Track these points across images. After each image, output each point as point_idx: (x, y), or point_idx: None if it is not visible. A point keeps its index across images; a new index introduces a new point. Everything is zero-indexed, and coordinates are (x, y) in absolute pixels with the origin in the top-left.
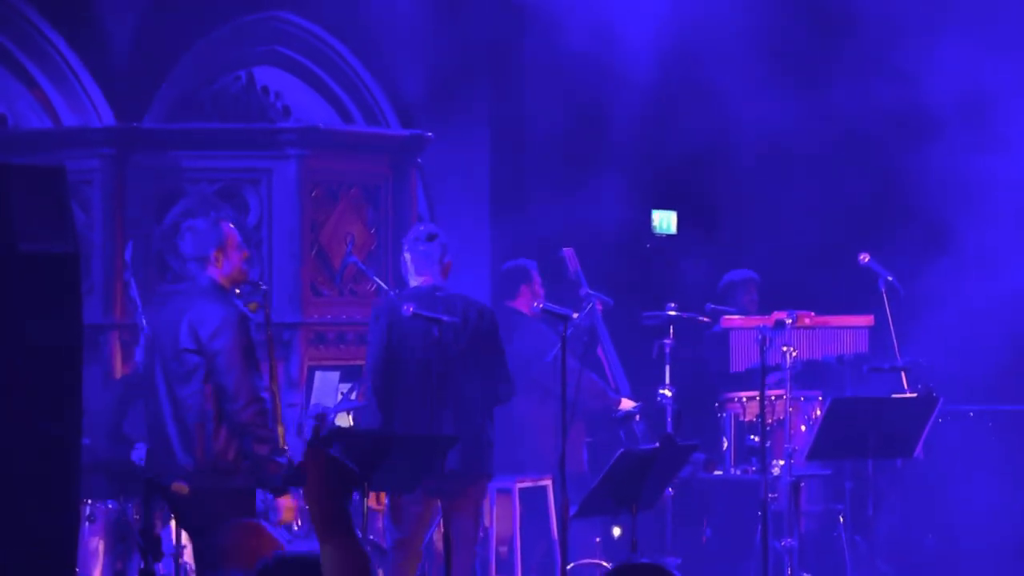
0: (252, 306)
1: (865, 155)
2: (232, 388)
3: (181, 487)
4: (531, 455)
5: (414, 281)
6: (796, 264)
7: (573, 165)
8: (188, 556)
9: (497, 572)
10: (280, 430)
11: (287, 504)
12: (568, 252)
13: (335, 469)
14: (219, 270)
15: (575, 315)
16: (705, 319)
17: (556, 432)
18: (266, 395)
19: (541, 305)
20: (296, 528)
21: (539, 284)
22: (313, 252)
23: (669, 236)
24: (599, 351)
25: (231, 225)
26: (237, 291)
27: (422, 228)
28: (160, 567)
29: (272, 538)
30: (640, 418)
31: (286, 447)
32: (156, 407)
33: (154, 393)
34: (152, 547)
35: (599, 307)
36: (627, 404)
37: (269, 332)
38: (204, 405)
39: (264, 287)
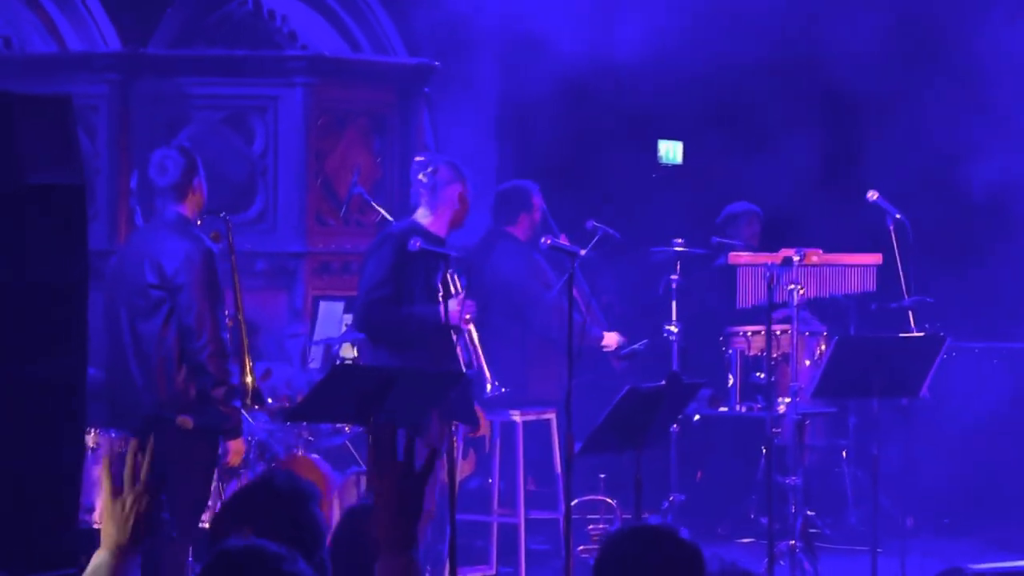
0: (214, 235)
1: (879, 91)
2: (194, 326)
3: (186, 421)
4: (534, 389)
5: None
6: (804, 200)
7: (581, 94)
8: None
9: (499, 505)
10: (248, 364)
11: (236, 448)
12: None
13: (412, 485)
14: (194, 200)
15: (582, 252)
16: (712, 254)
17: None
18: (226, 335)
19: (549, 242)
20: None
21: (539, 211)
22: (319, 181)
23: (675, 167)
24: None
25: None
26: (199, 221)
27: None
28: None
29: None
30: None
31: (252, 378)
32: (119, 343)
33: (117, 328)
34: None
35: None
36: (611, 338)
37: (233, 261)
38: (166, 342)
39: (225, 216)
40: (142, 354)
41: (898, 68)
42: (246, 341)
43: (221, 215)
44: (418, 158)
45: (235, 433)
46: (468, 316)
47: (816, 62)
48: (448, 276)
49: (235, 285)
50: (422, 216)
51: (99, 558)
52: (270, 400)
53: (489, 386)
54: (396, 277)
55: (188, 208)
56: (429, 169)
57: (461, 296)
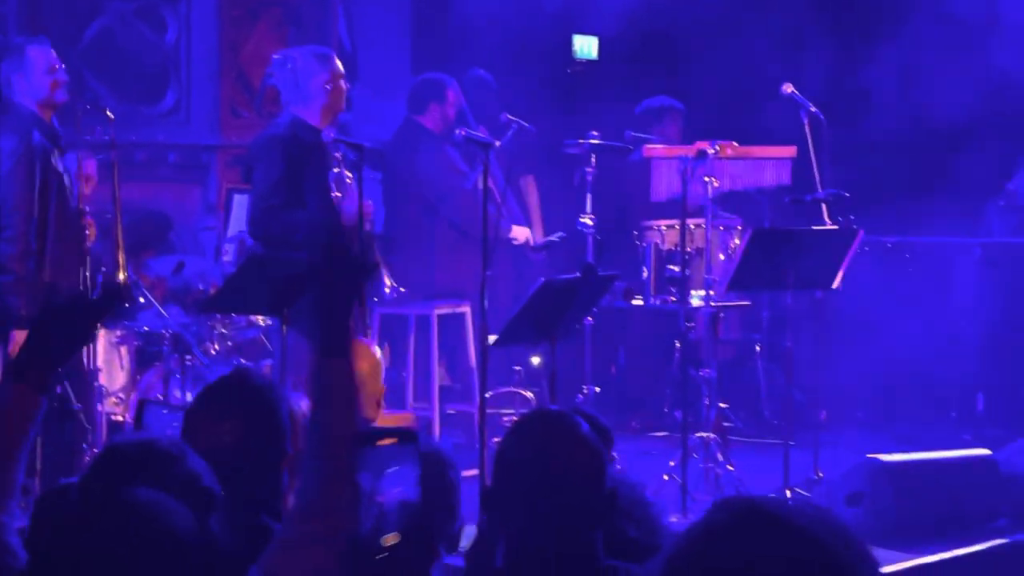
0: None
1: None
2: (2, 219)
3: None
4: (447, 281)
5: None
6: (720, 93)
7: None
8: (103, 379)
9: (415, 400)
10: (121, 260)
11: (19, 339)
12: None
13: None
14: (21, 93)
15: (497, 143)
16: (628, 147)
17: (465, 258)
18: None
19: (463, 132)
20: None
21: (452, 105)
22: (233, 73)
23: (590, 62)
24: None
25: (46, 48)
26: (87, 106)
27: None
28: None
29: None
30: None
31: (125, 275)
32: None
33: None
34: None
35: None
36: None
37: (114, 157)
38: None
39: (103, 107)
40: None
41: None
42: (121, 239)
43: (103, 109)
44: (275, 55)
45: (21, 324)
46: (367, 214)
47: None
48: (342, 174)
49: (114, 181)
50: (299, 112)
51: None
52: (142, 300)
53: (388, 288)
54: (288, 180)
55: (25, 99)
56: (288, 66)
57: (353, 195)
